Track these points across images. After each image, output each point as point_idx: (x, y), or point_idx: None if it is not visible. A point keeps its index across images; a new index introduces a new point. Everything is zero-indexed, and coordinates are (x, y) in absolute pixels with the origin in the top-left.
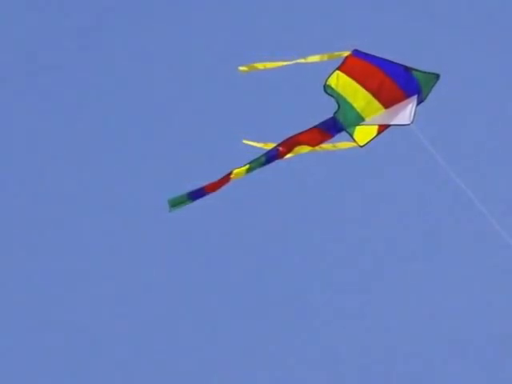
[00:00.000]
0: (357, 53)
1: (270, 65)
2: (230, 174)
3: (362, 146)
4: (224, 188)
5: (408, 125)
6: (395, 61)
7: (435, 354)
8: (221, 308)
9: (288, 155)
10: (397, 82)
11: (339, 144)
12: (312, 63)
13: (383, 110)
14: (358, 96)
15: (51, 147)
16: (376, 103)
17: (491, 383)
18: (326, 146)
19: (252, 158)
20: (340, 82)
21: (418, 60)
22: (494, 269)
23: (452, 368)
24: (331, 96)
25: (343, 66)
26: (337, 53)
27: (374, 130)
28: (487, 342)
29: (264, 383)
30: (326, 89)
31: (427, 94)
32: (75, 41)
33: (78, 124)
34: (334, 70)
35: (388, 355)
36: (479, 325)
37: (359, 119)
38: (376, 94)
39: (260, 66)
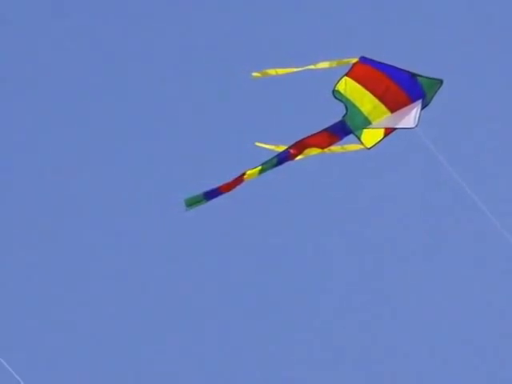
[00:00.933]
0: (364, 59)
1: (281, 71)
2: (244, 174)
3: (369, 149)
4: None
5: (413, 128)
6: (400, 66)
7: (435, 353)
8: (221, 308)
9: (299, 157)
10: (402, 87)
11: (347, 146)
12: (321, 69)
13: (389, 114)
14: (365, 100)
15: (52, 147)
16: (382, 107)
17: (491, 383)
18: (335, 148)
19: (264, 159)
20: (348, 87)
21: (420, 63)
22: (495, 269)
23: (452, 368)
24: (340, 100)
25: (351, 72)
26: (345, 60)
27: (381, 132)
28: (487, 342)
29: (264, 383)
30: (335, 94)
31: (431, 99)
32: (75, 41)
33: (81, 125)
34: (343, 76)
35: (388, 355)
36: (479, 325)
37: (366, 123)
38: (382, 99)
39: (272, 71)
